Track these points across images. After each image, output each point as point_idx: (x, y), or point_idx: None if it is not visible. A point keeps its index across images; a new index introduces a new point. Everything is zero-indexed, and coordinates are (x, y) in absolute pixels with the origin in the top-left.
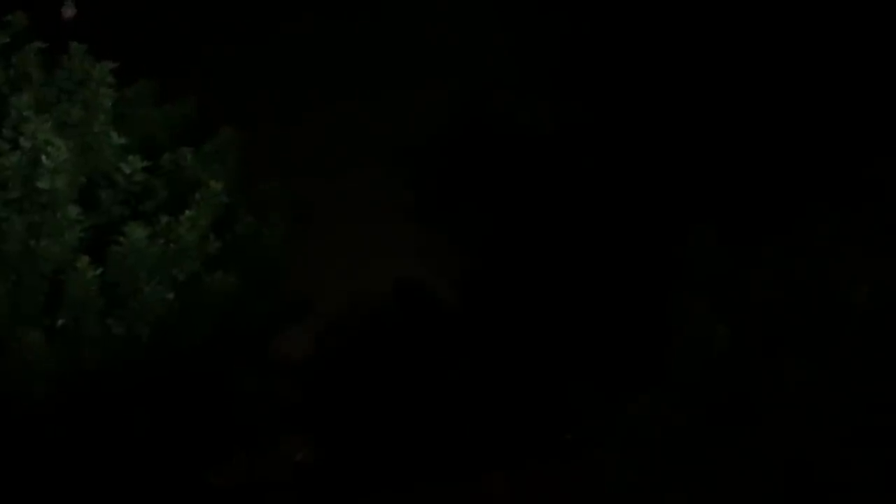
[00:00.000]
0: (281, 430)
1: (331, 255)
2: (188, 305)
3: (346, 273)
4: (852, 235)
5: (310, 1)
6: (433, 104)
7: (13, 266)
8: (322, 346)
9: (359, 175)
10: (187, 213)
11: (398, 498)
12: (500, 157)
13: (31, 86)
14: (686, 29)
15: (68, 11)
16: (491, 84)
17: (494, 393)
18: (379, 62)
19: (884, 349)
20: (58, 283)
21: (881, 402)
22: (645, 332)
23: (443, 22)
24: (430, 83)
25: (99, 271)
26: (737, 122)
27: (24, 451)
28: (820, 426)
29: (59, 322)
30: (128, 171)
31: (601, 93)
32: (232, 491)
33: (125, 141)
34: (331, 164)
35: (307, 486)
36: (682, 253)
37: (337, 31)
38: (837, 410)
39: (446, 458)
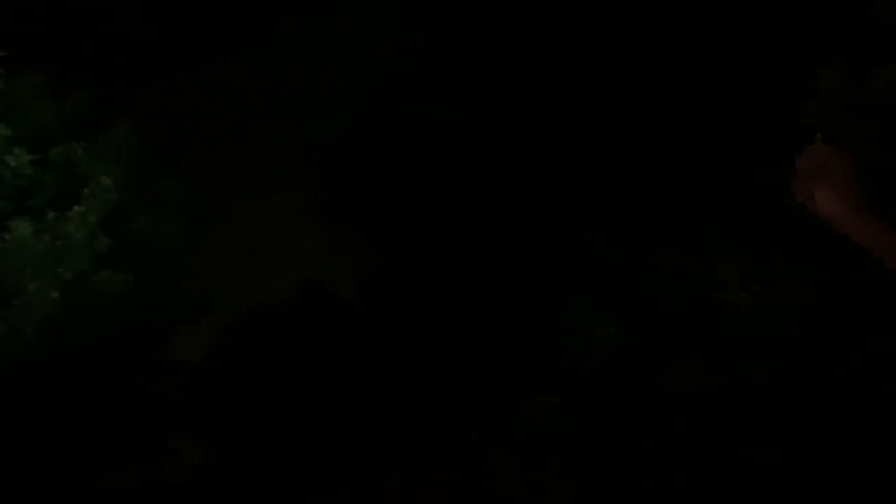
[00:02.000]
0: (177, 432)
1: (232, 253)
2: (76, 304)
3: (248, 272)
4: (734, 239)
5: None
6: (341, 102)
7: None
8: (221, 347)
9: (263, 173)
10: (76, 208)
11: (296, 499)
12: (406, 157)
13: None
14: (587, 40)
15: None
16: (400, 84)
17: (395, 393)
18: (286, 57)
19: (763, 348)
20: None
21: (762, 399)
22: (541, 331)
23: (355, 20)
24: (337, 80)
25: None
26: (634, 128)
27: None
28: (705, 422)
29: None
30: (14, 164)
31: (508, 96)
32: (127, 496)
33: (10, 133)
34: (234, 162)
35: (204, 489)
36: (578, 253)
37: (245, 24)
38: (721, 407)
39: (346, 459)
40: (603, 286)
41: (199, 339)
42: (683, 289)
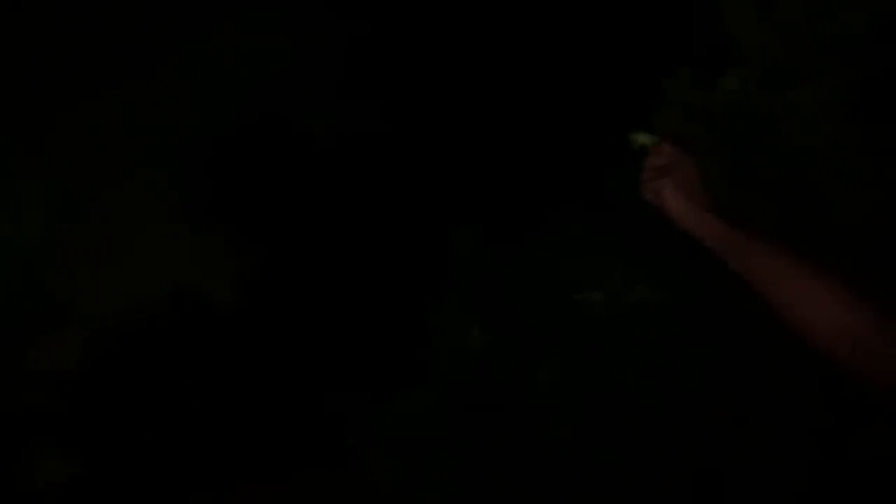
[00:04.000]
0: (42, 444)
1: (98, 256)
2: None
3: (116, 276)
4: (596, 239)
5: None
6: (212, 100)
7: None
8: (88, 355)
9: (131, 172)
10: None
11: None
12: (278, 157)
13: None
14: (458, 45)
15: None
16: (272, 83)
17: (269, 399)
18: (153, 57)
19: (619, 347)
20: None
21: (618, 397)
22: (412, 334)
23: (227, 17)
24: (209, 78)
25: None
26: (502, 130)
27: None
28: (566, 421)
29: None
30: None
31: (381, 97)
32: None
33: None
34: (100, 161)
35: (70, 502)
36: (448, 255)
37: (113, 19)
38: (581, 405)
39: (220, 468)
40: (471, 288)
41: (63, 346)
42: (546, 289)
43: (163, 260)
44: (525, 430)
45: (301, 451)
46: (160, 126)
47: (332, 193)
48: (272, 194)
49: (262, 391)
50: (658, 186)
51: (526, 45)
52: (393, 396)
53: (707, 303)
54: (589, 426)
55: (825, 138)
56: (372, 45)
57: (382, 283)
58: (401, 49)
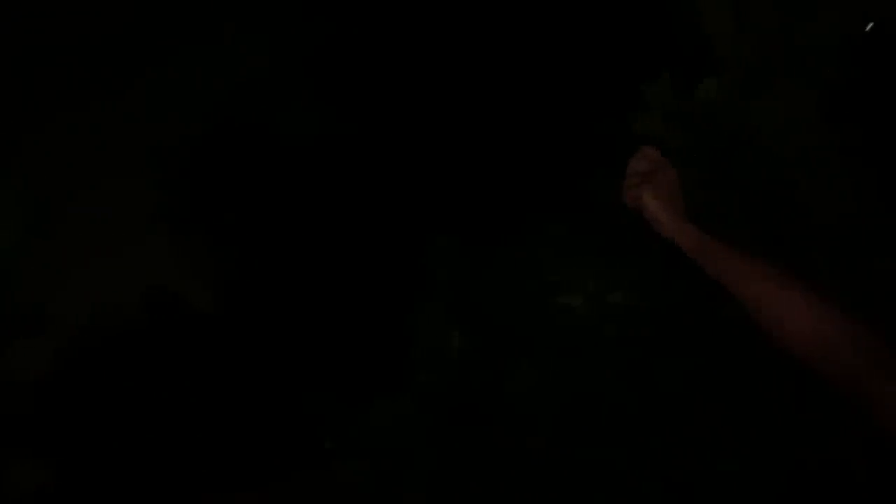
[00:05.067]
0: (14, 454)
1: (72, 262)
2: None
3: (90, 282)
4: (575, 242)
5: None
6: (187, 107)
7: None
8: (62, 362)
9: (106, 179)
10: None
11: None
12: (255, 160)
13: None
14: (435, 48)
15: None
16: (248, 85)
17: (247, 404)
18: (128, 63)
19: (597, 352)
20: None
21: (596, 401)
22: (391, 340)
23: (201, 20)
24: (182, 85)
25: None
26: (479, 134)
27: None
28: (544, 424)
29: None
30: None
31: (359, 100)
32: None
33: None
34: (76, 167)
35: None
36: (426, 261)
37: (83, 29)
38: (558, 408)
39: (196, 475)
40: (449, 291)
41: (39, 352)
42: (525, 292)
43: (139, 264)
44: (503, 433)
45: (279, 455)
46: (136, 130)
47: (310, 197)
48: (249, 198)
49: (240, 395)
50: (638, 192)
51: (505, 46)
52: (372, 400)
53: (686, 306)
54: (567, 430)
55: (800, 141)
56: (349, 48)
57: (361, 286)
58: (379, 52)
